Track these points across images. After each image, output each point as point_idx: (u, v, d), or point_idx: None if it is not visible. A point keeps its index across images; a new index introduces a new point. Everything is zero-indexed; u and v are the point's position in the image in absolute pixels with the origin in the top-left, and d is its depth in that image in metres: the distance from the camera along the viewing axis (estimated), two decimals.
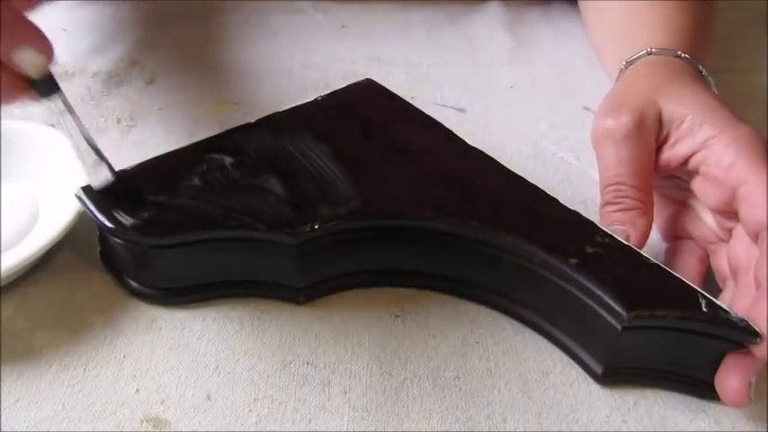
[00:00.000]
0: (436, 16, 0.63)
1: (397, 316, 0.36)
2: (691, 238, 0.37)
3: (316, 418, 0.32)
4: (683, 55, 0.40)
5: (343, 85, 0.44)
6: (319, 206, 0.35)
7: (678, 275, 0.32)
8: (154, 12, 0.62)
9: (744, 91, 0.53)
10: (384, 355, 0.35)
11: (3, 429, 0.31)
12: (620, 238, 0.33)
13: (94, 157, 0.34)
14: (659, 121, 0.36)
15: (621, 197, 0.35)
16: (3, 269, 0.35)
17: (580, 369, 0.34)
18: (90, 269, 0.38)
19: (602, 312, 0.31)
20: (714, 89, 0.40)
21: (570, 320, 0.34)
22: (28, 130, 0.43)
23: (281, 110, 0.42)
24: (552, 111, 0.51)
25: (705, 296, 0.31)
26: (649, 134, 0.36)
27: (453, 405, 0.32)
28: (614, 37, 0.48)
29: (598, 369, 0.33)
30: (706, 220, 0.36)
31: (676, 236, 0.38)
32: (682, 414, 0.32)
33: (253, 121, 0.41)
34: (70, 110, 0.33)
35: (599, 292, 0.31)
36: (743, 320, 0.30)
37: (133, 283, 0.37)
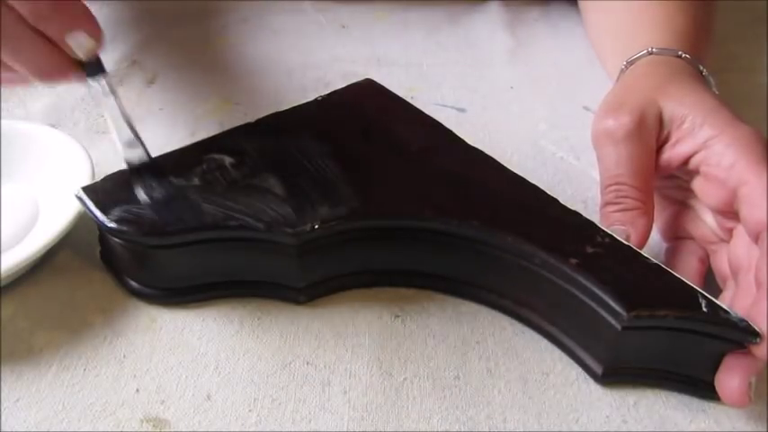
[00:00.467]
0: (436, 16, 0.63)
1: (397, 316, 0.36)
2: (691, 238, 0.37)
3: (316, 418, 0.32)
4: (683, 55, 0.40)
5: (343, 85, 0.44)
6: (319, 206, 0.35)
7: (678, 275, 0.32)
8: (154, 12, 0.62)
9: (744, 91, 0.53)
10: (384, 355, 0.35)
11: (3, 429, 0.31)
12: (620, 239, 0.33)
13: (131, 137, 0.36)
14: (660, 121, 0.36)
15: (622, 197, 0.35)
16: (3, 269, 0.35)
17: (580, 369, 0.34)
18: (90, 269, 0.38)
19: (603, 312, 0.31)
20: (714, 89, 0.40)
21: (570, 320, 0.34)
22: (28, 130, 0.43)
23: (281, 110, 0.42)
24: (552, 111, 0.51)
25: (705, 296, 0.31)
26: (650, 134, 0.36)
27: (453, 405, 0.32)
28: (614, 37, 0.48)
29: (598, 369, 0.33)
30: (706, 221, 0.36)
31: (676, 236, 0.38)
32: (682, 414, 0.32)
33: (253, 120, 0.41)
34: (113, 91, 0.36)
35: (599, 292, 0.31)
36: (743, 320, 0.30)
37: (133, 283, 0.37)
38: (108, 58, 0.56)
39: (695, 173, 0.35)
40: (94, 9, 0.34)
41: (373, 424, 0.32)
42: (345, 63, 0.56)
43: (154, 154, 0.38)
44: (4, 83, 0.36)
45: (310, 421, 0.32)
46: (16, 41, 0.33)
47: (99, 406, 0.32)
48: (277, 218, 0.34)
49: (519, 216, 0.34)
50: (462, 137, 0.39)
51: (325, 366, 0.34)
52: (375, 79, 0.44)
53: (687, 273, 0.36)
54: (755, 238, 0.32)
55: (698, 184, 0.35)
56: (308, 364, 0.34)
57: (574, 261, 0.32)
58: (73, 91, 0.52)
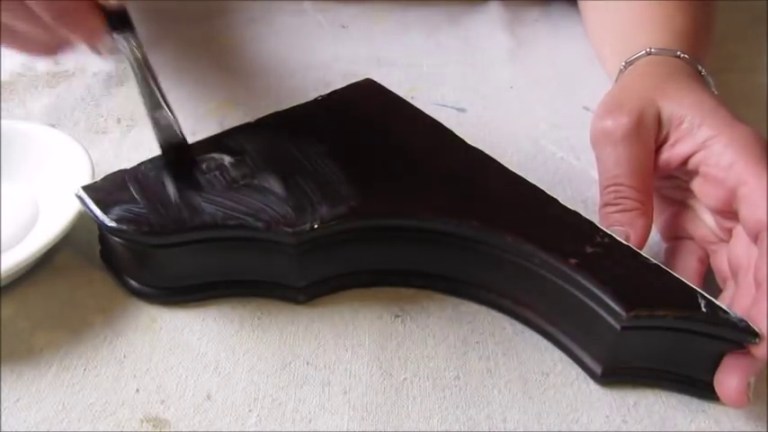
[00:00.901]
0: (436, 16, 0.63)
1: (397, 316, 0.36)
2: (690, 238, 0.37)
3: (316, 418, 0.32)
4: (682, 55, 0.40)
5: (344, 85, 0.44)
6: (319, 206, 0.35)
7: (677, 275, 0.32)
8: (155, 12, 0.62)
9: (744, 91, 0.53)
10: (384, 355, 0.35)
11: (3, 429, 0.31)
12: (619, 239, 0.33)
13: (157, 99, 0.36)
14: (658, 122, 0.36)
15: (621, 198, 0.35)
16: (3, 269, 0.35)
17: (580, 369, 0.34)
18: (90, 269, 0.38)
19: (602, 312, 0.31)
20: (714, 89, 0.40)
21: (570, 320, 0.34)
22: (28, 130, 0.43)
23: (281, 110, 0.42)
24: (552, 111, 0.51)
25: (704, 296, 0.31)
26: (648, 134, 0.36)
27: (453, 405, 0.32)
28: (614, 37, 0.48)
29: (597, 369, 0.33)
30: (706, 221, 0.36)
31: (676, 236, 0.38)
32: (682, 414, 0.32)
33: (253, 120, 0.41)
34: (141, 48, 0.35)
35: (598, 292, 0.31)
36: (742, 320, 0.30)
37: (133, 283, 0.37)
38: (108, 58, 0.56)
39: (694, 173, 0.35)
40: None
41: (373, 424, 0.32)
42: (345, 63, 0.56)
43: (152, 154, 0.38)
44: (25, 46, 0.36)
45: (310, 421, 0.32)
46: None
47: (99, 406, 0.32)
48: (277, 217, 0.34)
49: (519, 216, 0.34)
50: (462, 137, 0.39)
51: (325, 366, 0.34)
52: (375, 79, 0.44)
53: (686, 273, 0.36)
54: (755, 238, 0.32)
55: (697, 185, 0.35)
56: (307, 364, 0.34)
57: (573, 261, 0.32)
58: (73, 91, 0.52)
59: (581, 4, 0.57)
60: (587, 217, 0.34)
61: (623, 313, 0.30)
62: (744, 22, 0.62)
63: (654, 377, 0.33)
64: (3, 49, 0.37)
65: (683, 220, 0.38)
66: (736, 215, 0.33)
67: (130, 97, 0.52)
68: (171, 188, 0.36)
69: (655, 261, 0.32)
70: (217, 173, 0.37)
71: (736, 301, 0.32)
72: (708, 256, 0.37)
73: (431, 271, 0.37)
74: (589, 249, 0.33)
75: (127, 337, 0.35)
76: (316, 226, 0.34)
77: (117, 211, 0.34)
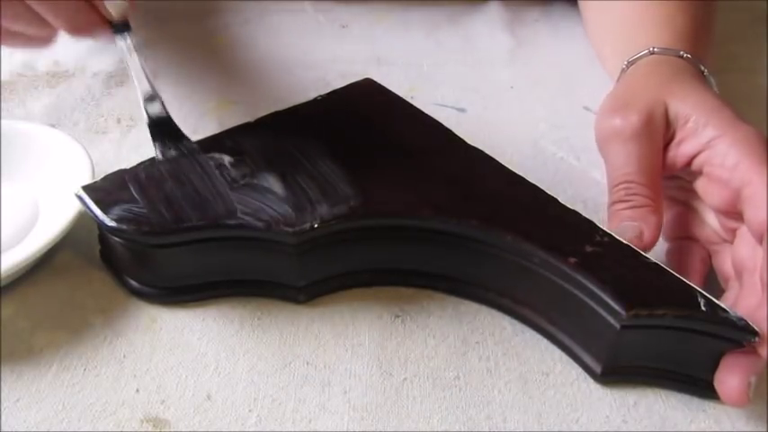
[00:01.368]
0: (436, 16, 0.63)
1: (397, 316, 0.36)
2: (693, 238, 0.37)
3: (316, 418, 0.32)
4: (684, 55, 0.40)
5: (343, 85, 0.44)
6: (319, 205, 0.35)
7: (677, 275, 0.32)
8: (155, 11, 0.62)
9: (744, 91, 0.53)
10: (384, 355, 0.35)
11: (3, 429, 0.31)
12: (626, 240, 0.33)
13: (151, 91, 0.40)
14: (666, 120, 0.36)
15: (632, 195, 0.35)
16: (3, 269, 0.35)
17: (580, 369, 0.34)
18: (90, 269, 0.38)
19: (602, 311, 0.31)
20: (715, 89, 0.40)
21: (570, 319, 0.34)
22: (28, 130, 0.43)
23: (281, 109, 0.42)
24: (552, 111, 0.51)
25: (704, 295, 0.31)
26: (658, 132, 0.36)
27: (453, 405, 0.32)
28: (615, 37, 0.48)
29: (597, 368, 0.33)
30: (709, 221, 0.36)
31: (678, 236, 0.38)
32: (682, 414, 0.32)
33: (253, 120, 0.41)
34: (137, 48, 0.40)
35: (598, 291, 0.31)
36: (741, 319, 0.30)
37: (133, 283, 0.37)
38: (108, 58, 0.56)
39: (698, 173, 0.35)
40: None
41: (373, 424, 0.32)
42: (345, 63, 0.56)
43: (152, 154, 0.38)
44: (25, 43, 0.40)
45: (310, 421, 0.32)
46: None
47: (99, 406, 0.32)
48: (276, 217, 0.34)
49: (518, 215, 0.34)
50: (462, 137, 0.39)
51: (325, 366, 0.34)
52: (375, 79, 0.44)
53: (688, 273, 0.35)
54: (759, 239, 0.32)
55: (701, 185, 0.35)
56: (307, 364, 0.34)
57: (573, 260, 0.32)
58: (73, 91, 0.52)
59: (581, 4, 0.57)
60: (587, 217, 0.34)
61: (623, 312, 0.30)
62: (744, 22, 0.62)
63: (654, 376, 0.33)
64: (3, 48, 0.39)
65: (686, 220, 0.38)
66: (740, 215, 0.33)
67: (130, 97, 0.52)
68: (171, 188, 0.36)
69: (654, 260, 0.32)
70: (217, 173, 0.37)
71: (741, 301, 0.32)
72: (709, 257, 0.37)
73: (431, 271, 0.37)
74: (589, 248, 0.33)
75: (127, 337, 0.35)
76: (316, 225, 0.34)
77: (117, 211, 0.34)
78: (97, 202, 0.35)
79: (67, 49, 0.57)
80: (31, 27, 0.38)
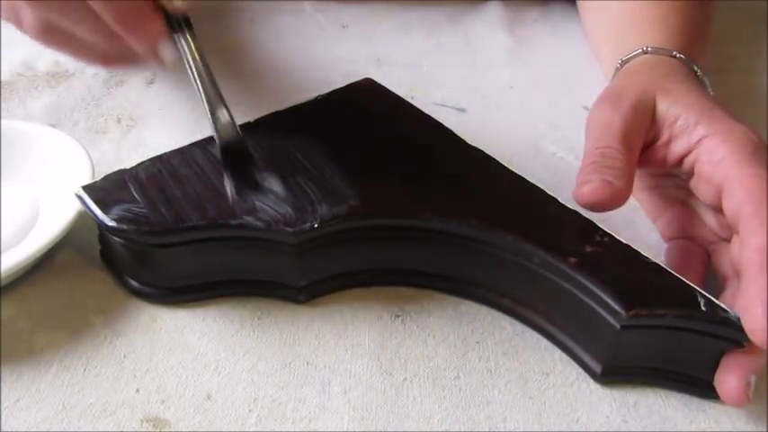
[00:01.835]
0: (436, 16, 0.63)
1: (397, 316, 0.36)
2: (691, 238, 0.37)
3: (316, 418, 0.32)
4: (678, 55, 0.40)
5: (344, 85, 0.44)
6: (319, 205, 0.35)
7: (677, 275, 0.32)
8: None
9: (743, 91, 0.53)
10: (384, 355, 0.35)
11: (3, 429, 0.31)
12: (592, 186, 0.33)
13: (214, 95, 0.35)
14: (652, 114, 0.36)
15: (607, 157, 0.34)
16: (3, 269, 0.35)
17: (580, 369, 0.34)
18: (90, 269, 0.38)
19: (602, 311, 0.31)
20: (709, 89, 0.40)
21: (570, 319, 0.34)
22: (28, 130, 0.43)
23: (281, 109, 0.42)
24: (552, 111, 0.51)
25: (704, 295, 0.31)
26: (643, 119, 0.35)
27: (453, 405, 0.32)
28: (610, 36, 0.48)
29: (597, 368, 0.33)
30: (706, 220, 0.37)
31: (677, 236, 0.38)
32: (682, 414, 0.32)
33: (253, 120, 0.41)
34: (199, 47, 0.35)
35: (598, 291, 0.31)
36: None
37: (133, 283, 0.37)
38: None
39: (691, 172, 0.35)
40: None
41: (373, 424, 0.32)
42: (346, 63, 0.56)
43: (152, 154, 0.38)
44: (89, 56, 0.36)
45: (310, 421, 0.32)
46: None
47: (99, 406, 0.32)
48: (276, 217, 0.34)
49: (518, 215, 0.34)
50: (462, 137, 0.39)
51: (325, 366, 0.34)
52: (375, 79, 0.44)
53: (687, 272, 0.35)
54: (736, 229, 0.32)
55: (693, 183, 0.35)
56: (308, 364, 0.34)
57: (573, 260, 0.32)
58: (73, 91, 0.52)
59: (579, 5, 0.57)
60: (587, 217, 0.34)
61: (623, 312, 0.30)
62: (743, 22, 0.62)
63: (654, 376, 0.33)
64: (66, 55, 0.37)
65: (684, 219, 0.38)
66: None
67: (130, 97, 0.52)
68: (171, 188, 0.36)
69: (654, 260, 0.32)
70: (216, 172, 0.36)
71: (738, 300, 0.32)
72: (708, 256, 0.37)
73: (431, 271, 0.37)
74: (589, 248, 0.33)
75: (127, 337, 0.35)
76: (316, 225, 0.34)
77: (117, 210, 0.34)
78: (97, 202, 0.35)
79: None
80: (90, 31, 0.34)
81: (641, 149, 0.36)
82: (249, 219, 0.34)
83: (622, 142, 0.34)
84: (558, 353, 0.35)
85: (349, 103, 0.42)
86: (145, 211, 0.34)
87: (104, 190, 0.36)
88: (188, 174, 0.36)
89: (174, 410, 0.32)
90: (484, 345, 0.35)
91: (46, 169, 0.42)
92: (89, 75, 0.54)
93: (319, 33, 0.60)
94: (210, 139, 0.39)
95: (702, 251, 0.37)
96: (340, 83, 0.44)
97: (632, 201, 0.41)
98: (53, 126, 0.45)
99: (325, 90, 0.43)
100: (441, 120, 0.41)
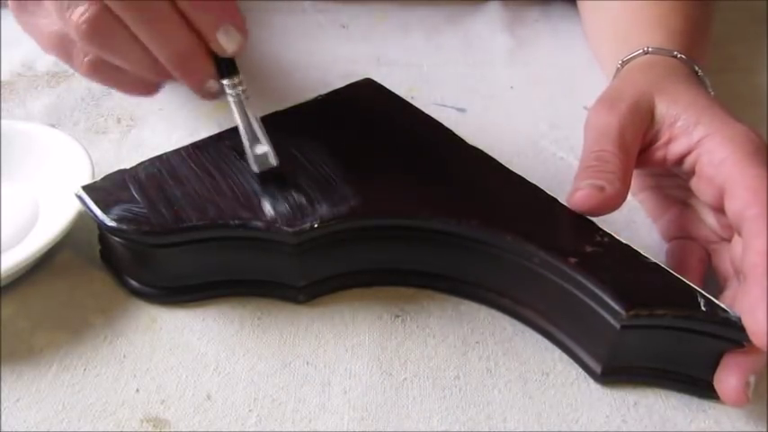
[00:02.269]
0: (436, 16, 0.63)
1: (397, 316, 0.36)
2: (691, 238, 0.37)
3: (316, 418, 0.32)
4: (679, 55, 0.40)
5: (343, 85, 0.44)
6: (319, 205, 0.35)
7: (677, 275, 0.32)
8: None
9: (744, 91, 0.53)
10: (384, 355, 0.35)
11: (3, 429, 0.31)
12: (585, 192, 0.33)
13: (261, 143, 0.35)
14: (651, 115, 0.36)
15: (603, 161, 0.34)
16: (3, 269, 0.35)
17: (580, 369, 0.34)
18: (90, 269, 0.38)
19: (602, 311, 0.31)
20: (710, 90, 0.40)
21: (570, 319, 0.34)
22: (28, 130, 0.43)
23: (281, 109, 0.42)
24: (552, 111, 0.51)
25: (704, 295, 0.31)
26: (641, 121, 0.36)
27: (453, 405, 0.32)
28: (611, 37, 0.48)
29: (597, 368, 0.33)
30: (707, 220, 0.36)
31: (677, 236, 0.38)
32: (682, 414, 0.32)
33: None
34: (245, 93, 0.35)
35: (598, 291, 0.31)
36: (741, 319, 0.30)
37: (133, 283, 0.37)
38: None
39: (691, 173, 0.35)
40: None
41: (373, 424, 0.32)
42: (345, 63, 0.56)
43: (152, 154, 0.38)
44: (130, 89, 0.36)
45: (310, 421, 0.32)
46: (160, 23, 0.31)
47: (99, 406, 0.32)
48: (276, 217, 0.34)
49: (518, 215, 0.34)
50: (462, 137, 0.39)
51: (325, 366, 0.34)
52: (375, 79, 0.44)
53: (687, 272, 0.35)
54: (738, 230, 0.32)
55: (694, 183, 0.35)
56: (307, 364, 0.34)
57: (573, 260, 0.32)
58: (73, 91, 0.52)
59: (579, 5, 0.57)
60: (587, 217, 0.34)
61: (623, 312, 0.30)
62: (744, 22, 0.62)
63: (654, 376, 0.33)
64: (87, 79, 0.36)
65: (685, 219, 0.38)
66: None
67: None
68: (171, 188, 0.36)
69: (654, 260, 0.32)
70: (216, 172, 0.36)
71: (739, 300, 0.32)
72: (708, 256, 0.37)
73: (431, 271, 0.37)
74: (589, 249, 0.33)
75: (127, 337, 0.35)
76: (316, 225, 0.34)
77: (117, 211, 0.34)
78: (97, 202, 0.35)
79: None
80: (138, 67, 0.34)
81: (641, 150, 0.36)
82: (249, 219, 0.34)
83: (618, 145, 0.35)
84: (557, 353, 0.35)
85: (349, 103, 0.42)
86: (145, 211, 0.34)
87: (104, 190, 0.36)
88: (188, 174, 0.37)
89: (174, 410, 0.32)
90: (484, 345, 0.35)
91: (46, 169, 0.42)
92: None
93: (319, 33, 0.60)
94: (210, 138, 0.39)
95: (702, 251, 0.37)
96: (340, 83, 0.44)
97: (632, 201, 0.41)
98: (53, 126, 0.45)
99: (325, 90, 0.44)
100: (441, 120, 0.41)
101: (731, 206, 0.32)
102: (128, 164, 0.37)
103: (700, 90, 0.37)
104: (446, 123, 0.41)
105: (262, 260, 0.36)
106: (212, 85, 0.34)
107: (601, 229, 0.34)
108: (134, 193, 0.35)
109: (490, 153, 0.38)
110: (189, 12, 0.32)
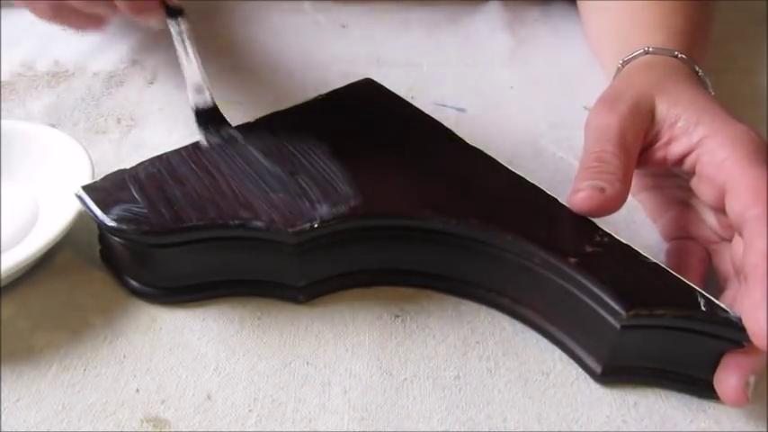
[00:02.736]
0: (436, 16, 0.63)
1: (397, 316, 0.36)
2: (692, 238, 0.37)
3: (316, 418, 0.32)
4: (679, 55, 0.40)
5: (343, 85, 0.44)
6: (319, 205, 0.35)
7: (677, 275, 0.32)
8: None
9: (744, 91, 0.53)
10: (384, 355, 0.35)
11: (3, 429, 0.31)
12: (585, 193, 0.33)
13: (200, 80, 0.40)
14: (652, 116, 0.36)
15: (603, 162, 0.34)
16: (3, 269, 0.35)
17: (580, 369, 0.34)
18: (90, 269, 0.38)
19: (602, 311, 0.31)
20: (711, 89, 0.40)
21: (570, 319, 0.34)
22: (28, 130, 0.43)
23: (281, 109, 0.42)
24: (552, 111, 0.51)
25: (704, 295, 0.31)
26: (641, 122, 0.35)
27: (453, 405, 0.32)
28: (611, 37, 0.48)
29: (597, 368, 0.33)
30: (708, 220, 0.36)
31: (678, 236, 0.38)
32: (682, 414, 0.32)
33: (253, 120, 0.41)
34: (189, 35, 0.40)
35: (598, 291, 0.31)
36: (741, 319, 0.30)
37: (133, 283, 0.37)
38: (108, 58, 0.56)
39: (692, 173, 0.35)
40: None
41: (373, 424, 0.32)
42: (345, 63, 0.56)
43: (152, 154, 0.38)
44: (79, 23, 0.41)
45: (310, 421, 0.32)
46: None
47: (99, 406, 0.32)
48: (277, 217, 0.34)
49: (518, 215, 0.34)
50: (462, 137, 0.39)
51: (325, 366, 0.34)
52: (375, 79, 0.44)
53: (687, 272, 0.35)
54: (740, 231, 0.32)
55: (694, 183, 0.35)
56: (307, 364, 0.34)
57: (573, 260, 0.32)
58: (73, 91, 0.52)
59: (580, 5, 0.57)
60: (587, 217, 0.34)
61: (623, 312, 0.30)
62: (744, 22, 0.62)
63: (654, 376, 0.33)
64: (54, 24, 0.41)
65: (685, 219, 0.38)
66: None
67: (130, 97, 0.52)
68: (171, 188, 0.36)
69: (654, 260, 0.32)
70: (216, 172, 0.36)
71: (740, 300, 0.32)
72: (709, 256, 0.37)
73: (431, 271, 0.37)
74: (589, 248, 0.33)
75: (127, 337, 0.35)
76: (316, 225, 0.34)
77: (117, 211, 0.34)
78: (97, 202, 0.35)
79: (68, 48, 0.57)
80: (97, 6, 0.38)
81: (641, 150, 0.36)
82: (249, 219, 0.34)
83: (619, 145, 0.35)
84: (557, 353, 0.35)
85: (349, 102, 0.42)
86: (145, 211, 0.34)
87: (104, 190, 0.36)
88: (188, 174, 0.37)
89: (174, 410, 0.32)
90: (484, 345, 0.35)
91: (46, 169, 0.42)
92: (89, 75, 0.54)
93: (319, 33, 0.60)
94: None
95: (703, 251, 0.37)
96: (339, 83, 0.44)
97: (632, 201, 0.41)
98: (53, 126, 0.45)
99: (325, 90, 0.43)
100: (441, 120, 0.41)
101: (732, 206, 0.32)
102: (128, 164, 0.37)
103: (700, 90, 0.37)
104: (446, 123, 0.41)
105: (262, 260, 0.36)
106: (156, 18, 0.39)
107: (601, 229, 0.34)
108: (134, 193, 0.35)
109: (490, 153, 0.38)
110: None
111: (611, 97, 0.37)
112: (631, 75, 0.40)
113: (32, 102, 0.51)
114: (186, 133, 0.48)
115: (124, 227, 0.34)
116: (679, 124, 0.35)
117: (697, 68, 0.40)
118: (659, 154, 0.36)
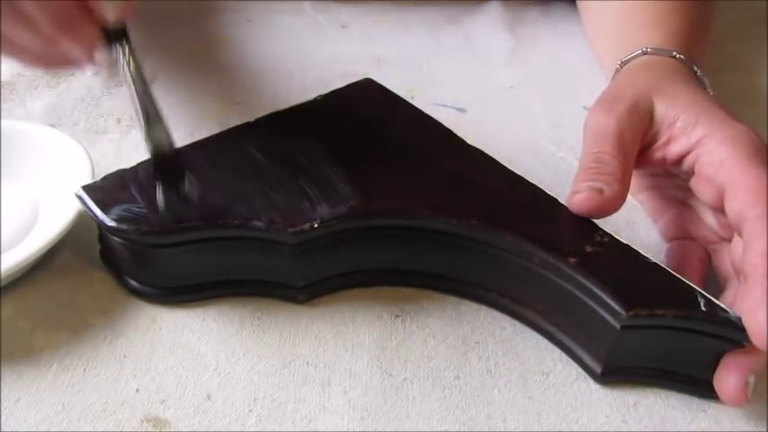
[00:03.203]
0: (436, 16, 0.63)
1: (397, 316, 0.36)
2: (692, 238, 0.37)
3: (316, 418, 0.32)
4: (678, 55, 0.40)
5: (343, 85, 0.44)
6: (319, 205, 0.35)
7: (677, 275, 0.32)
8: (154, 11, 0.62)
9: (744, 91, 0.53)
10: (384, 355, 0.35)
11: (3, 429, 0.31)
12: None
13: (153, 113, 0.35)
14: (650, 116, 0.36)
15: (601, 163, 0.34)
16: (3, 269, 0.35)
17: (580, 369, 0.34)
18: (90, 269, 0.38)
19: (602, 311, 0.31)
20: (709, 90, 0.40)
21: (569, 319, 0.34)
22: (28, 130, 0.43)
23: (280, 109, 0.42)
24: (552, 111, 0.51)
25: (704, 295, 0.31)
26: (639, 122, 0.35)
27: (453, 405, 0.32)
28: (610, 37, 0.48)
29: (597, 368, 0.33)
30: (707, 220, 0.36)
31: (677, 236, 0.38)
32: (682, 414, 0.32)
33: (253, 120, 0.41)
34: (135, 59, 0.34)
35: (598, 292, 0.31)
36: (741, 319, 0.30)
37: (133, 283, 0.37)
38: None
39: (691, 173, 0.35)
40: None
41: (373, 424, 0.32)
42: (345, 63, 0.56)
43: None
44: (28, 59, 0.36)
45: (310, 421, 0.32)
46: None
47: (99, 406, 0.32)
48: (276, 217, 0.34)
49: (518, 215, 0.34)
50: (462, 137, 0.39)
51: (325, 366, 0.34)
52: (375, 79, 0.44)
53: (687, 272, 0.35)
54: (739, 231, 0.32)
55: (693, 183, 0.35)
56: (307, 364, 0.34)
57: (573, 260, 0.32)
58: (73, 91, 0.52)
59: (579, 5, 0.57)
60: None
61: (623, 312, 0.30)
62: (744, 22, 0.62)
63: (654, 376, 0.33)
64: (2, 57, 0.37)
65: (685, 220, 0.38)
66: None
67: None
68: (171, 187, 0.36)
69: (654, 260, 0.32)
70: (216, 173, 0.36)
71: (739, 300, 0.32)
72: (708, 256, 0.37)
73: (431, 271, 0.37)
74: (589, 249, 0.33)
75: (127, 337, 0.35)
76: (316, 225, 0.34)
77: (117, 210, 0.34)
78: (97, 202, 0.35)
79: None
80: (28, 35, 0.34)
81: (640, 151, 0.36)
82: (249, 219, 0.34)
83: (617, 146, 0.35)
84: (557, 353, 0.35)
85: (349, 103, 0.42)
86: (145, 211, 0.34)
87: (104, 190, 0.36)
88: (188, 173, 0.36)
89: (174, 410, 0.32)
90: (484, 345, 0.35)
91: (46, 169, 0.42)
92: (89, 75, 0.54)
93: (319, 33, 0.60)
94: (210, 138, 0.39)
95: (703, 251, 0.37)
96: (339, 83, 0.44)
97: (632, 201, 0.41)
98: (53, 126, 0.45)
99: (325, 90, 0.43)
100: (441, 120, 0.41)
101: (732, 207, 0.32)
102: (128, 164, 0.37)
103: (699, 90, 0.37)
104: (446, 123, 0.41)
105: (262, 260, 0.36)
106: (100, 54, 0.35)
107: (601, 229, 0.34)
108: (134, 193, 0.35)
109: (490, 153, 0.38)
110: None
111: (610, 98, 0.37)
112: (630, 75, 0.40)
113: (32, 102, 0.51)
114: (186, 133, 0.48)
115: (124, 227, 0.34)
116: (678, 124, 0.35)
117: (695, 68, 0.40)
118: (658, 154, 0.36)
